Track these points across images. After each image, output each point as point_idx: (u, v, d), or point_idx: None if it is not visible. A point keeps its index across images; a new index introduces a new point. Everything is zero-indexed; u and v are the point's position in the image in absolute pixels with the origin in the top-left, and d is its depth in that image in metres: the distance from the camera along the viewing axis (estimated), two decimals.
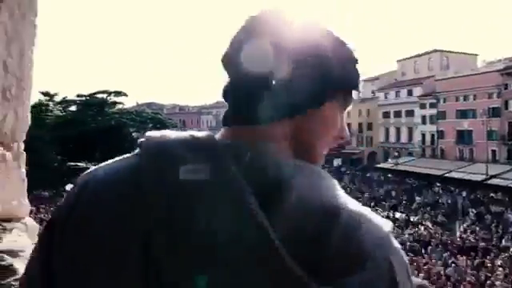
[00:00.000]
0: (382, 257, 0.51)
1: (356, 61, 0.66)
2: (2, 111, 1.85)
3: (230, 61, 0.63)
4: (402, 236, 17.65)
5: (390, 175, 38.54)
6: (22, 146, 2.05)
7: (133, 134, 42.41)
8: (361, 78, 0.68)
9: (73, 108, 42.83)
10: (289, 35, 0.60)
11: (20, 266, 1.47)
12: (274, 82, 0.59)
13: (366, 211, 0.55)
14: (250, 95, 0.61)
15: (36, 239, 2.13)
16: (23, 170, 2.04)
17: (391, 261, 0.52)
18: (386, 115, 47.85)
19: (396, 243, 0.55)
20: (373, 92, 51.46)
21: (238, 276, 0.49)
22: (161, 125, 45.52)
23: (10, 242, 1.74)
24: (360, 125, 50.16)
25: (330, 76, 0.61)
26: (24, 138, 2.05)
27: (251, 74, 0.59)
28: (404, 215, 23.63)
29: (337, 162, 49.70)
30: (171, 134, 0.61)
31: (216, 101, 72.65)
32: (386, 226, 0.55)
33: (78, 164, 40.15)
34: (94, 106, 41.24)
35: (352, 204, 0.55)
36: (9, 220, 1.89)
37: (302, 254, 0.49)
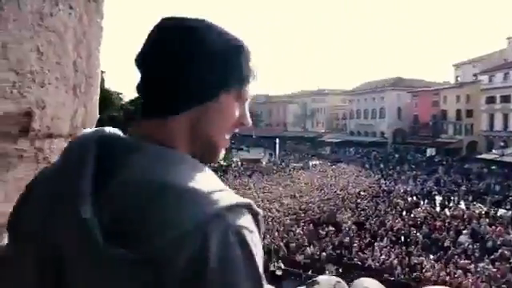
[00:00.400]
0: (192, 239, 0.53)
1: (247, 57, 0.71)
2: (72, 106, 2.07)
3: (136, 60, 0.71)
4: (505, 236, 15.86)
5: (493, 167, 34.65)
6: None
7: None
8: (254, 72, 0.73)
9: None
10: (179, 37, 0.67)
11: None
12: (170, 79, 0.67)
13: (197, 192, 0.57)
14: (152, 92, 0.69)
15: None
16: None
17: (204, 244, 0.53)
18: (491, 100, 42.83)
19: (227, 227, 0.55)
20: (474, 75, 46.47)
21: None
22: None
23: None
24: (458, 112, 45.86)
25: (220, 71, 0.68)
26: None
27: (152, 73, 0.69)
28: (510, 213, 21.16)
29: (430, 151, 46.30)
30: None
31: (301, 89, 72.48)
32: (211, 209, 0.56)
33: None
34: None
35: (183, 185, 0.57)
36: None
37: (124, 231, 0.55)
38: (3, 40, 1.54)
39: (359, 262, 14.60)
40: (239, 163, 42.30)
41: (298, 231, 17.78)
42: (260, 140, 62.19)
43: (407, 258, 14.39)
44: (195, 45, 0.67)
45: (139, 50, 0.71)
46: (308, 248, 15.94)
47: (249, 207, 0.61)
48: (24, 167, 1.86)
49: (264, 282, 0.59)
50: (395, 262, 14.05)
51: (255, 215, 0.62)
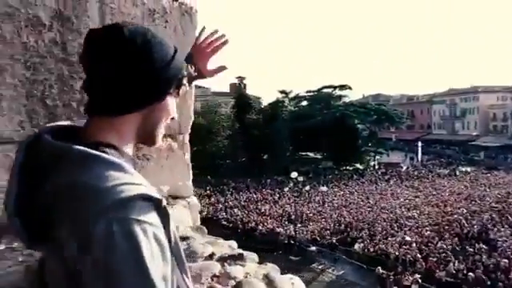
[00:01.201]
0: (82, 228, 0.61)
1: (180, 59, 0.82)
2: None
3: (82, 63, 0.79)
4: None
5: None
6: (187, 137, 2.48)
7: (357, 126, 43.29)
8: (184, 72, 0.83)
9: (304, 103, 46.89)
10: (122, 45, 0.74)
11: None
12: (121, 84, 0.74)
13: (99, 188, 0.64)
14: (104, 93, 0.76)
15: (197, 216, 2.55)
16: (187, 157, 2.47)
17: (91, 235, 0.60)
18: None
19: (113, 218, 0.61)
20: None
21: None
22: (385, 116, 44.69)
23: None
24: None
25: (166, 77, 0.78)
26: (189, 131, 2.47)
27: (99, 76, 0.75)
28: None
29: None
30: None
31: (448, 88, 64.98)
32: (104, 202, 0.62)
33: (308, 154, 44.28)
34: (320, 100, 44.04)
35: (83, 182, 0.65)
36: (175, 197, 2.35)
37: (52, 220, 0.66)
38: None
39: None
40: (376, 167, 40.35)
41: (439, 244, 15.98)
42: (400, 143, 58.06)
43: None
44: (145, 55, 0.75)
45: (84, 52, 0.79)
46: (452, 265, 14.16)
47: (154, 201, 0.64)
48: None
49: (152, 271, 0.61)
50: None
51: (159, 209, 0.66)
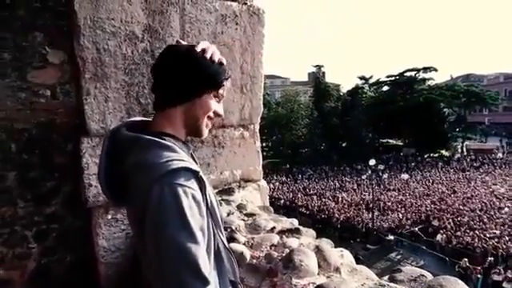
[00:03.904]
0: (144, 190, 0.89)
1: (223, 67, 1.09)
2: (241, 102, 2.60)
3: (152, 72, 1.10)
4: None
5: None
6: (257, 127, 2.75)
7: (443, 110, 40.17)
8: (225, 77, 1.10)
9: (385, 88, 44.71)
10: (179, 59, 1.05)
11: (234, 219, 2.16)
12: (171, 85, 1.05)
13: (153, 163, 0.92)
14: (159, 93, 1.09)
15: (266, 198, 2.83)
16: (258, 144, 2.75)
17: (149, 195, 0.87)
18: None
19: (164, 183, 0.88)
20: None
21: None
22: (476, 98, 40.56)
23: (240, 195, 2.47)
24: None
25: (201, 79, 1.05)
26: (258, 120, 2.74)
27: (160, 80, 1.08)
28: None
29: None
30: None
31: None
32: (157, 173, 0.89)
33: (389, 141, 42.24)
34: (402, 84, 41.60)
35: (146, 160, 0.94)
36: (247, 181, 2.64)
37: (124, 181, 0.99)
38: None
39: None
40: (465, 153, 37.28)
41: None
42: (495, 127, 52.62)
43: None
44: (188, 63, 1.05)
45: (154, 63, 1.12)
46: None
47: (193, 172, 0.94)
48: (205, 149, 2.51)
49: (191, 221, 0.87)
50: None
51: (197, 178, 0.94)
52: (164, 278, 0.84)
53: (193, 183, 0.92)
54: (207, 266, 0.88)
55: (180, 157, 0.96)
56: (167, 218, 0.86)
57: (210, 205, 0.98)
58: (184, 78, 1.03)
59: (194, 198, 0.90)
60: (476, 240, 14.84)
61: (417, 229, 17.23)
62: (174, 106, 1.06)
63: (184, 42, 1.25)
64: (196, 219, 0.89)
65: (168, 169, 0.90)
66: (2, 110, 1.92)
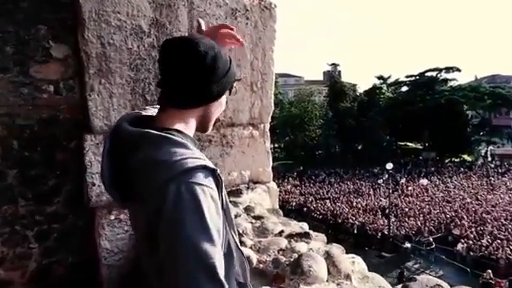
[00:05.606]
0: (158, 189, 0.84)
1: (234, 66, 1.06)
2: (250, 100, 2.50)
3: (160, 65, 1.02)
4: None
5: None
6: (267, 126, 2.64)
7: (467, 113, 39.05)
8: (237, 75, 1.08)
9: (404, 89, 43.78)
10: (197, 57, 0.97)
11: (241, 221, 2.05)
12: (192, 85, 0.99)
13: (167, 161, 0.86)
14: (178, 92, 1.01)
15: (276, 201, 2.72)
16: (267, 144, 2.64)
17: (165, 194, 0.82)
18: None
19: (181, 182, 0.83)
20: None
21: None
22: (502, 100, 39.11)
23: (249, 197, 2.36)
24: None
25: (221, 84, 1.01)
26: (269, 120, 2.64)
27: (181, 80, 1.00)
28: None
29: None
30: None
31: None
32: (173, 171, 0.84)
33: (408, 144, 41.37)
34: (423, 85, 40.63)
35: (158, 157, 0.87)
36: (256, 182, 2.54)
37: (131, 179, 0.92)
38: None
39: None
40: (489, 158, 36.19)
41: None
42: None
43: None
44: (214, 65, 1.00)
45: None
46: None
47: (210, 170, 0.89)
48: (212, 149, 2.42)
49: (208, 220, 0.82)
50: None
51: (214, 176, 0.90)
52: (178, 280, 0.82)
53: (210, 182, 0.88)
54: (223, 269, 0.85)
55: (194, 154, 0.91)
56: (185, 219, 0.82)
57: (225, 204, 0.95)
58: (212, 83, 1.00)
59: (212, 197, 0.87)
60: (500, 250, 14.27)
61: (435, 237, 16.74)
62: (193, 107, 1.02)
63: (204, 26, 1.21)
64: (214, 220, 0.85)
65: (184, 167, 0.86)
66: (3, 105, 1.88)
